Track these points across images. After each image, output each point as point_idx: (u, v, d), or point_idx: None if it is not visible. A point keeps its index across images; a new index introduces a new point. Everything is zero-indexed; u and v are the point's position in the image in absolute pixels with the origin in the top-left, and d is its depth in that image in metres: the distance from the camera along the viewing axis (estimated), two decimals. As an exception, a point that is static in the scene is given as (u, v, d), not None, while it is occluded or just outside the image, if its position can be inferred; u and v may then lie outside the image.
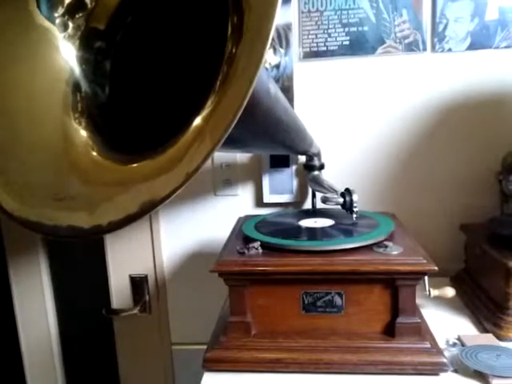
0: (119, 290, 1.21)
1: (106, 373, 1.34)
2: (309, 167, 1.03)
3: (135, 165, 0.54)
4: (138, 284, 1.20)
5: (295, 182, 1.11)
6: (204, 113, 0.48)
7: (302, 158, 1.08)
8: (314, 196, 1.05)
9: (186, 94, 0.66)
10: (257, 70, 0.41)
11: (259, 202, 1.14)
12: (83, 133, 0.62)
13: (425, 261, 0.68)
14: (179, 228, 1.18)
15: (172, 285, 1.21)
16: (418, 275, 0.68)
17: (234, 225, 0.93)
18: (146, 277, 1.20)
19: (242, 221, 0.93)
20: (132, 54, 0.69)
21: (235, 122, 0.41)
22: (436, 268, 0.67)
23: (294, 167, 1.11)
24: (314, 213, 0.96)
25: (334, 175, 1.08)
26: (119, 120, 0.65)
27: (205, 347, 0.74)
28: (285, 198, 1.12)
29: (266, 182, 1.11)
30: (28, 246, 1.25)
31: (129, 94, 0.69)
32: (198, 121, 0.48)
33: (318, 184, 0.97)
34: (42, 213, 0.54)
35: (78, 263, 1.32)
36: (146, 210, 0.47)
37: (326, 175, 1.05)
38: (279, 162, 1.10)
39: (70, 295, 1.33)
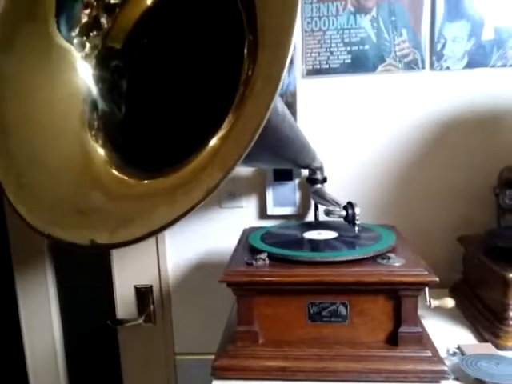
0: (124, 301, 1.22)
1: (110, 383, 1.35)
2: (312, 181, 1.05)
3: (153, 181, 0.56)
4: (142, 294, 1.21)
5: (298, 195, 1.14)
6: (220, 133, 0.50)
7: (305, 172, 1.10)
8: (316, 209, 1.07)
9: (203, 113, 0.68)
10: (274, 95, 0.44)
11: (263, 214, 1.16)
12: (101, 150, 0.64)
13: (426, 272, 0.70)
14: (184, 239, 1.20)
15: (176, 295, 1.23)
16: (420, 286, 0.71)
17: (239, 236, 0.95)
18: (150, 287, 1.21)
19: (248, 232, 0.95)
20: (148, 74, 0.71)
21: (253, 142, 0.44)
22: (437, 279, 0.69)
23: (297, 180, 1.13)
24: (317, 225, 0.98)
25: (336, 188, 1.10)
26: (136, 138, 0.68)
27: (209, 357, 0.75)
28: (288, 211, 1.14)
29: (269, 194, 1.14)
30: (34, 255, 1.26)
31: (145, 113, 0.71)
32: (214, 141, 0.51)
33: (321, 197, 0.99)
34: (65, 227, 0.56)
35: (84, 273, 1.33)
36: (166, 226, 0.48)
37: (329, 188, 1.07)
38: (282, 176, 1.12)
39: (76, 305, 1.33)
